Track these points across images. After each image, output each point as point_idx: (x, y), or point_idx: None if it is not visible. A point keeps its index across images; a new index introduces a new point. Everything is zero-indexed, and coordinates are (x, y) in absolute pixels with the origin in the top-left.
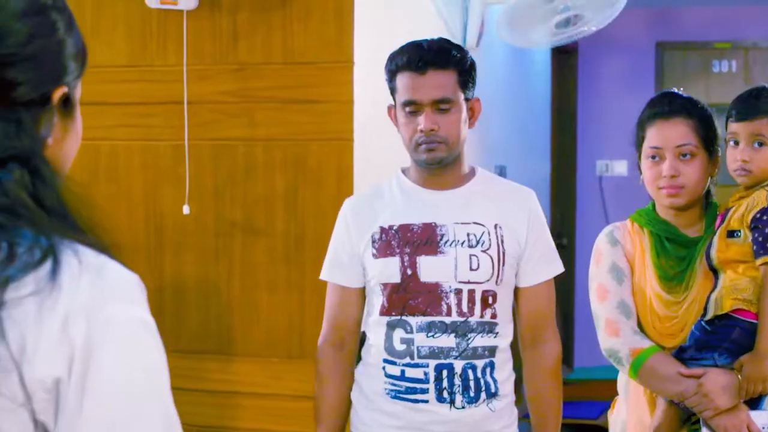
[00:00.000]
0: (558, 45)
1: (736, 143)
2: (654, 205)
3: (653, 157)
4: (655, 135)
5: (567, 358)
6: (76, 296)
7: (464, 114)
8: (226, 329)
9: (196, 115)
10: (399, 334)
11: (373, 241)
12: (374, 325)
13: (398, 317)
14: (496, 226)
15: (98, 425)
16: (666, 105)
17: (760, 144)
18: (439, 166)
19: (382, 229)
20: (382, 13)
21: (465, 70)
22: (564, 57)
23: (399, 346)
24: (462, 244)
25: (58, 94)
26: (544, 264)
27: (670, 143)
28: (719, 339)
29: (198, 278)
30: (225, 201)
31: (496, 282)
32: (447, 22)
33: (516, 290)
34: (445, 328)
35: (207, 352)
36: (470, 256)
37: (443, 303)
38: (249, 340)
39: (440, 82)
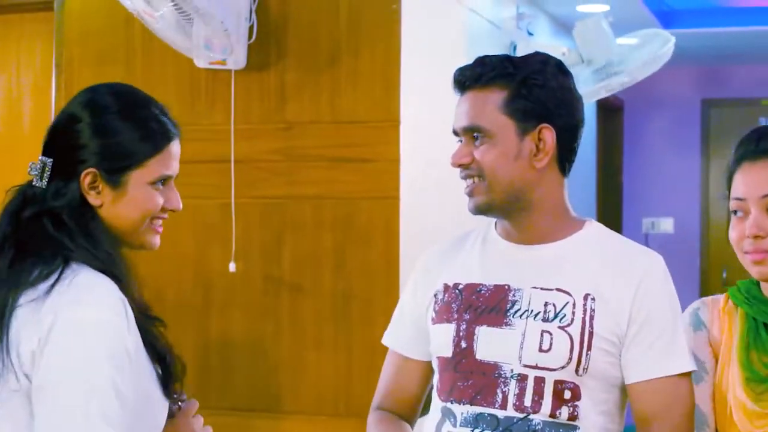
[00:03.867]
0: (599, 99)
1: None
2: None
3: (735, 212)
4: (739, 183)
5: None
6: (54, 303)
7: (513, 148)
8: (274, 387)
9: (244, 174)
10: (446, 427)
11: (435, 302)
12: (432, 411)
13: (445, 403)
14: (587, 297)
15: (48, 375)
16: (753, 143)
17: None
18: (488, 215)
19: (446, 287)
20: (428, 73)
21: (519, 89)
22: (610, 114)
23: None
24: (536, 316)
25: (84, 174)
26: (661, 353)
27: (755, 193)
28: None
29: (245, 336)
30: (272, 259)
31: (577, 371)
32: None
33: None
34: (495, 425)
35: (255, 410)
36: (542, 332)
37: (498, 391)
38: (296, 398)
39: (473, 105)
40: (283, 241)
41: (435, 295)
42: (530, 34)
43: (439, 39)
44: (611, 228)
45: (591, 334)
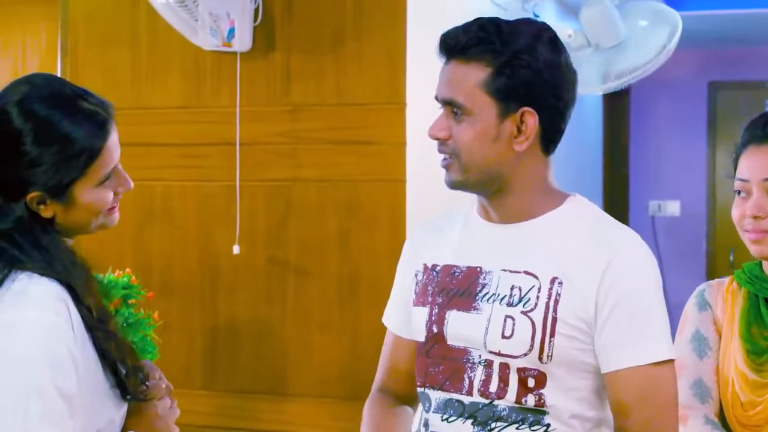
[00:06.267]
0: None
1: None
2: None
3: (739, 192)
4: (743, 164)
5: None
6: None
7: (492, 129)
8: (280, 369)
9: (249, 156)
10: (423, 413)
11: (416, 283)
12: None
13: (422, 389)
14: (554, 280)
15: None
16: (760, 128)
17: None
18: (464, 191)
19: (425, 268)
20: (434, 55)
21: (503, 69)
22: (616, 98)
23: (421, 429)
24: (501, 300)
25: (29, 197)
26: (633, 340)
27: (758, 175)
28: None
29: (251, 319)
30: (278, 242)
31: (540, 358)
32: None
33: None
34: (461, 411)
35: (261, 392)
36: (506, 317)
37: (465, 377)
38: (302, 380)
39: (455, 77)
40: (288, 224)
41: (416, 275)
42: (536, 16)
43: (444, 20)
44: (619, 211)
45: (554, 320)
